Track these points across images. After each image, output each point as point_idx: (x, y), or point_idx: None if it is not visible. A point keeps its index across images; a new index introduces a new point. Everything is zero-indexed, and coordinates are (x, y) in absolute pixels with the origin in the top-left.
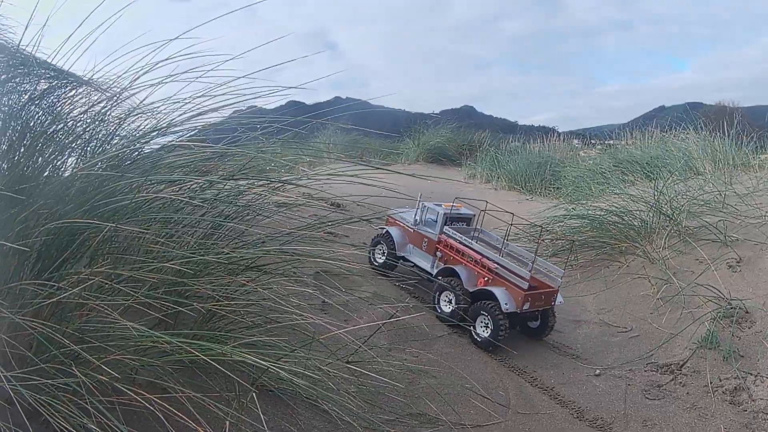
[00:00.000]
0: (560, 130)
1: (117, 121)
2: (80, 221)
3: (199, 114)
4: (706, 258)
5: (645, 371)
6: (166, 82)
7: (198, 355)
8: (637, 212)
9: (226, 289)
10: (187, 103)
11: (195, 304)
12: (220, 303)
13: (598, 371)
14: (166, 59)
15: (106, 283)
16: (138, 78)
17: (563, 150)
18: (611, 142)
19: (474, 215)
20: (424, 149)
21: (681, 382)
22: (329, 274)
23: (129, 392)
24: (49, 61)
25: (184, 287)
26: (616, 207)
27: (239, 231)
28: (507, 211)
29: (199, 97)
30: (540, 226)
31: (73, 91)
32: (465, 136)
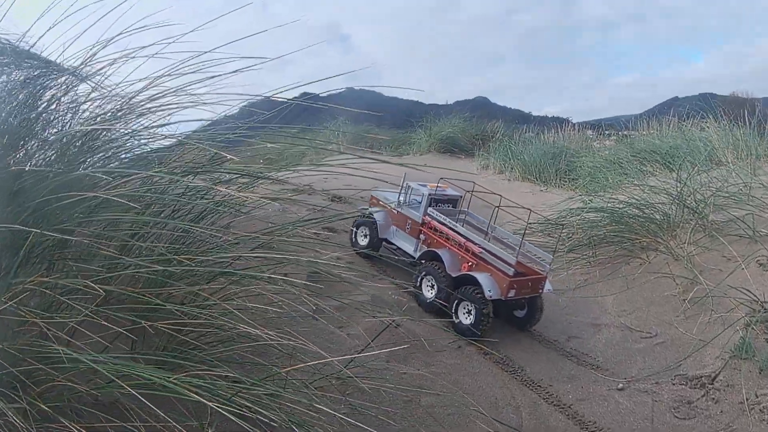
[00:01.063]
0: (574, 121)
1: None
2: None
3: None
4: (735, 255)
5: (673, 384)
6: (174, 76)
7: (127, 389)
8: (659, 205)
9: (196, 299)
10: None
11: (158, 323)
12: (186, 317)
13: (620, 385)
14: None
15: (53, 296)
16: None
17: (578, 140)
18: (626, 132)
19: (460, 196)
20: (436, 139)
21: (713, 398)
22: (323, 276)
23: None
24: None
25: (148, 299)
26: (636, 199)
27: (219, 230)
28: (523, 206)
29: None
30: (554, 223)
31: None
32: (478, 126)
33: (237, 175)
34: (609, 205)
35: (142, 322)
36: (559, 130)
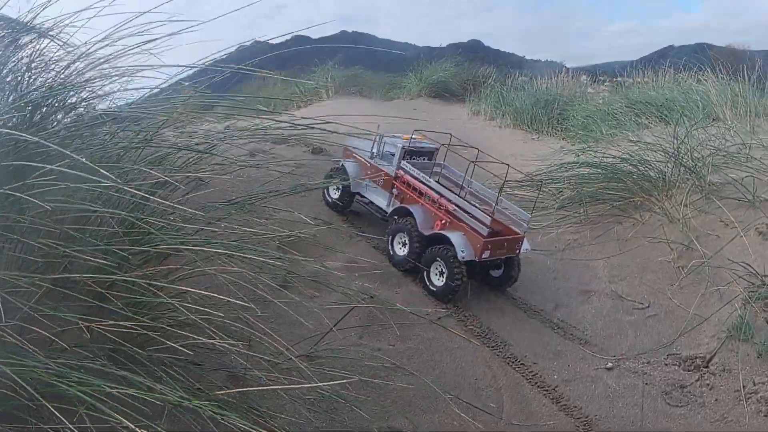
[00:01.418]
0: (568, 66)
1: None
2: None
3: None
4: (733, 221)
5: (666, 365)
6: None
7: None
8: (654, 162)
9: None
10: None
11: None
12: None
13: (610, 364)
14: None
15: None
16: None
17: (571, 87)
18: (620, 79)
19: (437, 148)
20: (427, 84)
21: (708, 384)
22: (296, 242)
23: None
24: None
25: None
26: (630, 154)
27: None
28: (501, 162)
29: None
30: (540, 181)
31: None
32: (469, 71)
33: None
34: (602, 160)
35: (79, 322)
36: (554, 76)
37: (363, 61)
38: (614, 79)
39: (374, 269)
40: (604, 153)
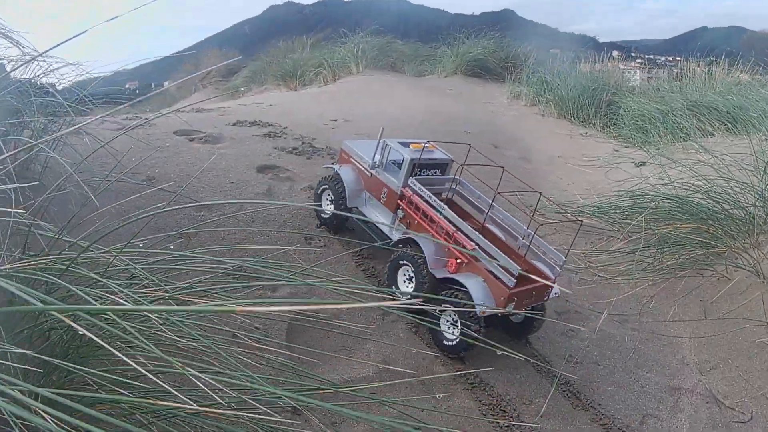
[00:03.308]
0: (600, 41)
1: None
2: None
3: None
4: None
5: None
6: None
7: None
8: (733, 192)
9: None
10: None
11: None
12: None
13: None
14: None
15: None
16: None
17: (616, 74)
18: (651, 56)
19: (451, 161)
20: (464, 60)
21: None
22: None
23: None
24: None
25: None
26: (706, 180)
27: None
28: (532, 190)
29: None
30: (580, 221)
31: None
32: (508, 49)
33: None
34: (683, 193)
35: None
36: (595, 58)
37: (394, 28)
38: (645, 56)
39: (415, 373)
40: (671, 173)
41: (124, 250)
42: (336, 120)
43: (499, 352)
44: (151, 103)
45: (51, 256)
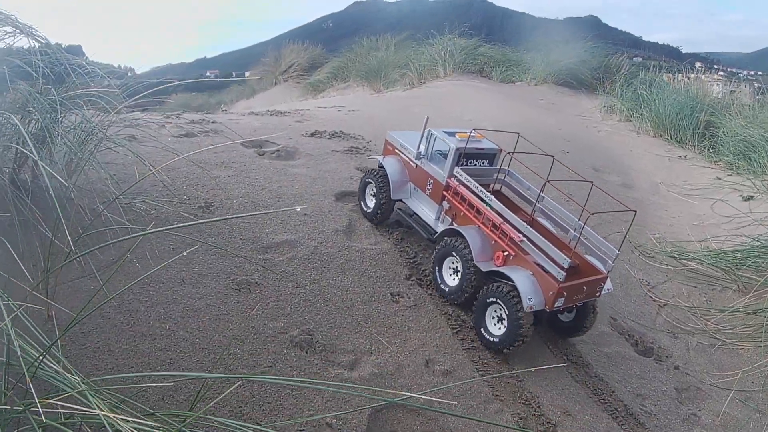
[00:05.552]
0: (683, 51)
1: None
2: None
3: None
4: None
5: None
6: None
7: None
8: None
9: None
10: None
11: None
12: None
13: None
14: None
15: None
16: None
17: (710, 92)
18: (734, 70)
19: (498, 151)
20: (555, 69)
21: None
22: None
23: None
24: None
25: None
26: None
27: None
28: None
29: None
30: (634, 211)
31: None
32: (599, 58)
33: None
34: None
35: None
36: (689, 72)
37: (478, 31)
38: (727, 69)
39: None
40: None
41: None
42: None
43: None
44: (230, 92)
45: None
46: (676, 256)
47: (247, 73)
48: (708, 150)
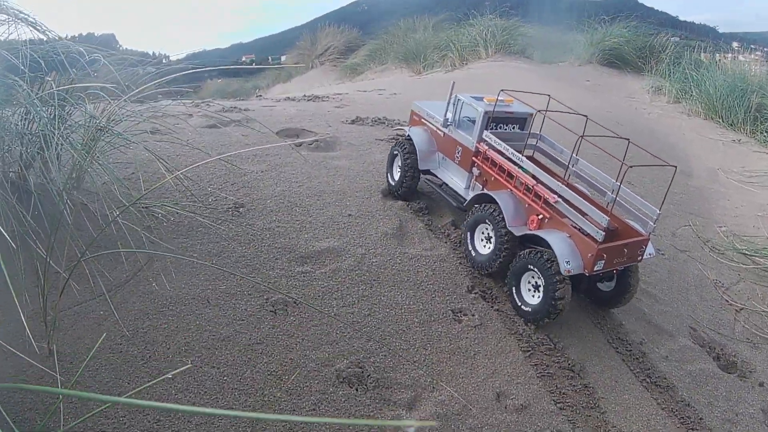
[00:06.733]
0: (720, 30)
1: None
2: None
3: None
4: None
5: None
6: None
7: None
8: None
9: None
10: None
11: None
12: None
13: None
14: None
15: None
16: None
17: (761, 75)
18: None
19: (530, 114)
20: (599, 49)
21: None
22: None
23: None
24: None
25: None
26: None
27: None
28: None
29: None
30: (674, 166)
31: None
32: (645, 39)
33: None
34: None
35: None
36: (726, 52)
37: (516, 9)
38: (764, 49)
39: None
40: None
41: None
42: None
43: None
44: (266, 76)
45: None
46: (746, 252)
47: (283, 58)
48: (762, 133)
